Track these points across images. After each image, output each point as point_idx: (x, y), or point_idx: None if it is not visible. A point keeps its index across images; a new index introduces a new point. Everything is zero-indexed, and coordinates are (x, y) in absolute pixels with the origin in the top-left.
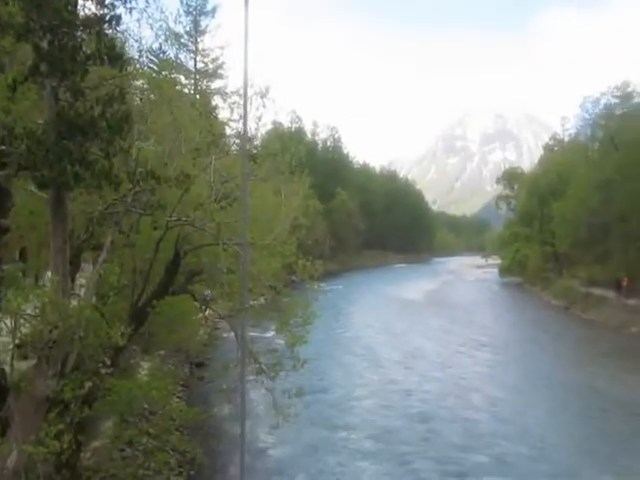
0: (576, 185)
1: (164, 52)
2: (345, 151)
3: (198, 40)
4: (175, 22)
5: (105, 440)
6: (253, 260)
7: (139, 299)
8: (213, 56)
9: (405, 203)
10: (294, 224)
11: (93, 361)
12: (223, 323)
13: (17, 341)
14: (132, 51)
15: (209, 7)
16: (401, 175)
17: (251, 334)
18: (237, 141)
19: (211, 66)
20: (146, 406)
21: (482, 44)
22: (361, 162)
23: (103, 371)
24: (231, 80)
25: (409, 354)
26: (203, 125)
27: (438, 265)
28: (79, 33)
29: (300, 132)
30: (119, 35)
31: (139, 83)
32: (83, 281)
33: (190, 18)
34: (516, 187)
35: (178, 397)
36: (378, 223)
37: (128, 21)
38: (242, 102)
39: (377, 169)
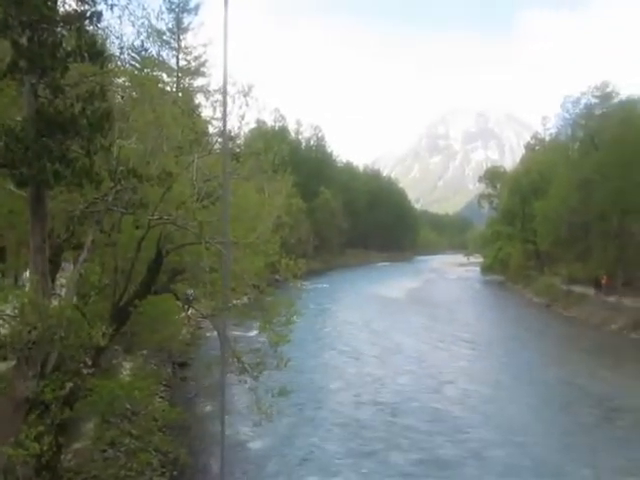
0: (557, 184)
1: (146, 49)
2: (328, 150)
3: (181, 38)
4: (157, 19)
5: (87, 441)
6: (236, 259)
7: (121, 299)
8: (196, 54)
9: (388, 202)
10: (277, 223)
11: (74, 361)
12: (206, 322)
13: None
14: (113, 48)
15: (192, 4)
16: (384, 174)
17: (234, 333)
18: (220, 139)
19: (194, 64)
20: (128, 406)
21: (464, 44)
22: (344, 161)
23: (84, 371)
24: (214, 78)
25: (388, 350)
26: (185, 123)
27: (421, 263)
28: (59, 29)
29: (284, 131)
30: (100, 32)
31: (120, 80)
32: (64, 281)
33: (172, 15)
34: (498, 186)
35: (161, 397)
36: (361, 222)
37: (109, 18)
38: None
39: (360, 168)
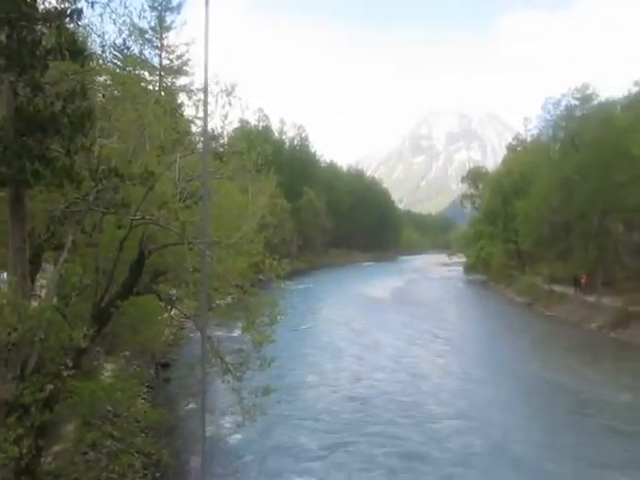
0: (538, 184)
1: (128, 48)
2: (312, 150)
3: (163, 36)
4: (139, 17)
5: (67, 444)
6: (219, 259)
7: (102, 299)
8: (178, 53)
9: (372, 202)
10: (261, 223)
11: (54, 363)
12: (189, 323)
13: None
14: (94, 46)
15: (174, 3)
16: (368, 174)
17: (217, 334)
18: (203, 139)
19: (176, 63)
20: (110, 408)
21: (448, 45)
22: (328, 161)
23: (65, 373)
24: (197, 77)
25: (367, 347)
26: (168, 122)
27: (404, 263)
28: (39, 27)
29: (267, 130)
30: (81, 30)
31: (102, 79)
32: (44, 282)
33: (155, 14)
34: (480, 186)
35: (143, 398)
36: (345, 222)
37: (90, 15)
38: (208, 99)
39: (344, 168)
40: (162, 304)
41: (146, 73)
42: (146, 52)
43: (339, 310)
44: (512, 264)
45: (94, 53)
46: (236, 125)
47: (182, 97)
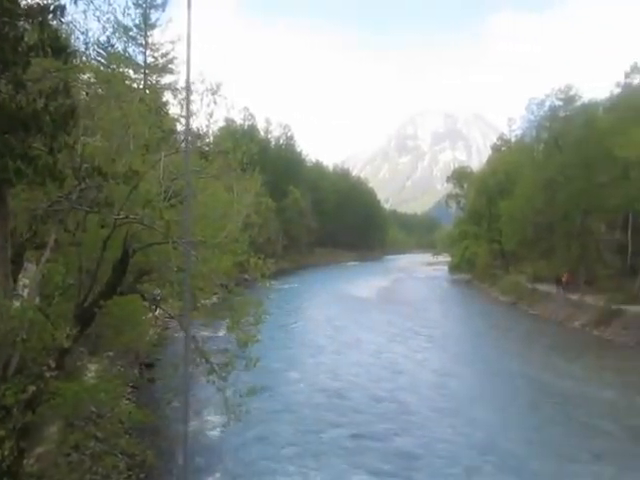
0: (522, 185)
1: (112, 45)
2: (298, 149)
3: (148, 34)
4: (124, 15)
5: (50, 445)
6: (204, 258)
7: (85, 299)
8: (163, 51)
9: (357, 201)
10: (246, 222)
11: (37, 364)
12: (174, 323)
13: None
14: (78, 43)
15: (159, 0)
16: (354, 173)
17: (202, 334)
18: (188, 137)
19: (161, 61)
20: (93, 409)
21: (433, 45)
22: (314, 160)
23: (47, 374)
24: (182, 76)
25: (349, 345)
26: (153, 121)
27: (390, 262)
28: (21, 23)
29: (253, 130)
30: (64, 26)
31: (85, 77)
32: (26, 281)
33: (139, 11)
34: (465, 186)
35: (127, 399)
36: (331, 221)
37: (73, 12)
38: (192, 97)
39: (330, 167)
40: (146, 304)
41: (130, 71)
42: (130, 50)
43: (324, 309)
44: (496, 264)
45: (77, 50)
46: (222, 124)
47: (167, 95)
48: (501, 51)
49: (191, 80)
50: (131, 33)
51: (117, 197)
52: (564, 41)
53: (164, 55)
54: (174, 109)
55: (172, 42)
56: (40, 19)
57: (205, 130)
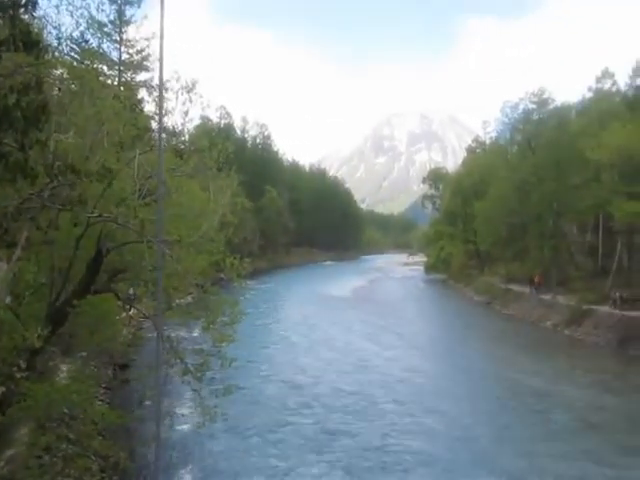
0: (497, 186)
1: (86, 41)
2: (275, 148)
3: (123, 30)
4: (98, 10)
5: (21, 447)
6: (179, 258)
7: (58, 298)
8: (139, 47)
9: (334, 201)
10: (222, 221)
11: (7, 365)
12: (149, 322)
13: None
14: (50, 38)
15: None
16: (330, 173)
17: (178, 334)
18: (163, 135)
19: (136, 57)
20: (66, 410)
21: (409, 47)
22: (291, 160)
23: (18, 375)
24: (157, 73)
25: (321, 343)
26: (127, 118)
27: (366, 263)
28: None
29: (229, 128)
30: (36, 21)
31: (58, 72)
32: None
33: (114, 7)
34: (441, 187)
35: (101, 400)
36: (307, 221)
37: (46, 6)
38: (168, 96)
39: (307, 167)
40: (120, 303)
41: (105, 67)
42: (105, 46)
43: (299, 309)
44: (471, 264)
45: (50, 45)
46: (197, 122)
47: (142, 93)
48: (476, 54)
49: (166, 78)
50: (105, 29)
51: (90, 195)
52: (540, 45)
53: (139, 52)
54: (149, 106)
55: (147, 39)
56: (11, 13)
57: (180, 128)
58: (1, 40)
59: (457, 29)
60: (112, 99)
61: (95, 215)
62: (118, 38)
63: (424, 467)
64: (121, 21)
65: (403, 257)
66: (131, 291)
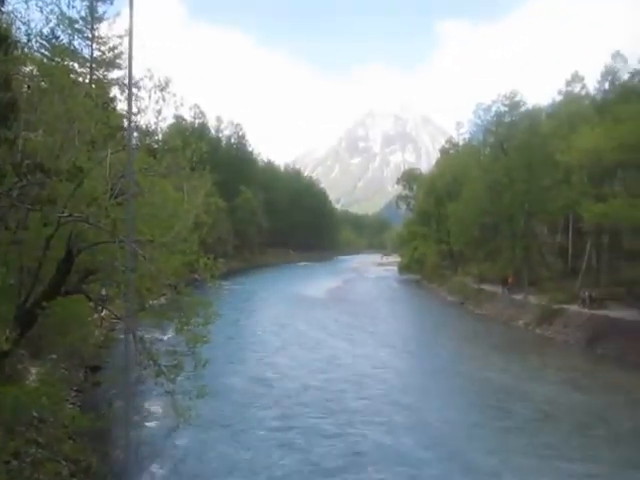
0: (469, 187)
1: (57, 37)
2: (250, 148)
3: (95, 27)
4: (69, 6)
5: None
6: (152, 258)
7: (27, 300)
8: (111, 45)
9: (309, 201)
10: (196, 221)
11: None
12: (121, 324)
13: None
14: (19, 34)
15: None
16: (305, 173)
17: (151, 335)
18: (136, 134)
19: (109, 55)
20: (35, 414)
21: (383, 48)
22: (265, 160)
23: None
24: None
25: (291, 342)
26: (99, 116)
27: (341, 263)
28: None
29: (203, 128)
30: (4, 16)
31: (28, 69)
32: None
33: (86, 3)
34: (415, 188)
35: (72, 403)
36: (282, 221)
37: (14, 2)
38: (141, 94)
39: (282, 167)
40: (92, 305)
41: (76, 64)
42: (76, 43)
43: (273, 309)
44: (445, 264)
45: (19, 41)
46: (171, 121)
47: (115, 91)
48: (450, 56)
49: (139, 76)
50: (77, 25)
51: (61, 194)
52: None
53: (111, 49)
54: (122, 105)
55: (120, 36)
56: None
57: (154, 127)
58: None
59: (433, 32)
60: (83, 97)
61: (65, 215)
62: (90, 35)
63: (387, 461)
64: (93, 18)
65: (378, 257)
66: (103, 292)
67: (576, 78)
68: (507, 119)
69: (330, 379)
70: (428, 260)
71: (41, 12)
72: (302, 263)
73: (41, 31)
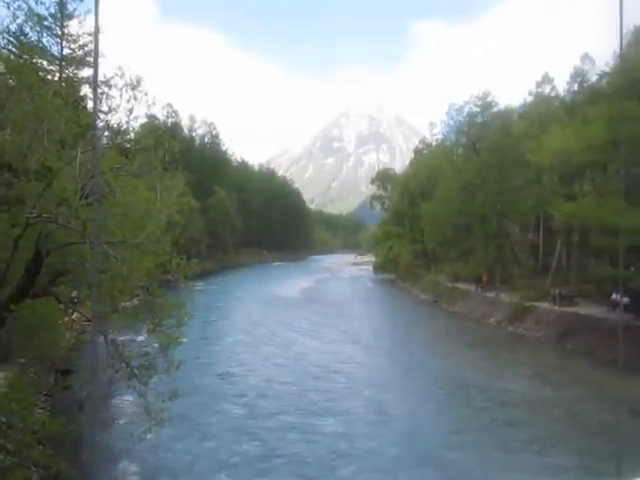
0: (443, 187)
1: (25, 34)
2: (223, 148)
3: (64, 24)
4: (37, 3)
5: None
6: (124, 259)
7: None
8: (81, 42)
9: (283, 201)
10: (169, 222)
11: None
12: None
13: None
14: None
15: None
16: (279, 174)
17: (123, 337)
18: (107, 133)
19: (79, 53)
20: (3, 419)
21: (357, 49)
22: (239, 160)
23: None
24: (101, 69)
25: (263, 340)
26: (69, 115)
27: (316, 263)
28: None
29: (176, 127)
30: None
31: None
32: None
33: (55, 0)
34: (389, 188)
35: (41, 408)
36: (256, 221)
37: None
38: (111, 93)
39: (256, 167)
40: (62, 307)
41: (45, 62)
42: (45, 40)
43: (246, 309)
44: (419, 263)
45: None
46: (143, 120)
47: (85, 89)
48: (425, 57)
49: (110, 75)
50: (46, 23)
51: (29, 194)
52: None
53: (82, 47)
54: (92, 103)
55: (90, 34)
56: None
57: (125, 126)
58: None
59: (408, 32)
60: (52, 95)
61: (34, 215)
62: (59, 32)
63: (352, 457)
64: (62, 15)
65: (352, 257)
66: (74, 294)
67: (546, 79)
68: (479, 119)
69: (295, 374)
70: (402, 259)
71: (8, 8)
72: (276, 263)
73: (8, 28)
